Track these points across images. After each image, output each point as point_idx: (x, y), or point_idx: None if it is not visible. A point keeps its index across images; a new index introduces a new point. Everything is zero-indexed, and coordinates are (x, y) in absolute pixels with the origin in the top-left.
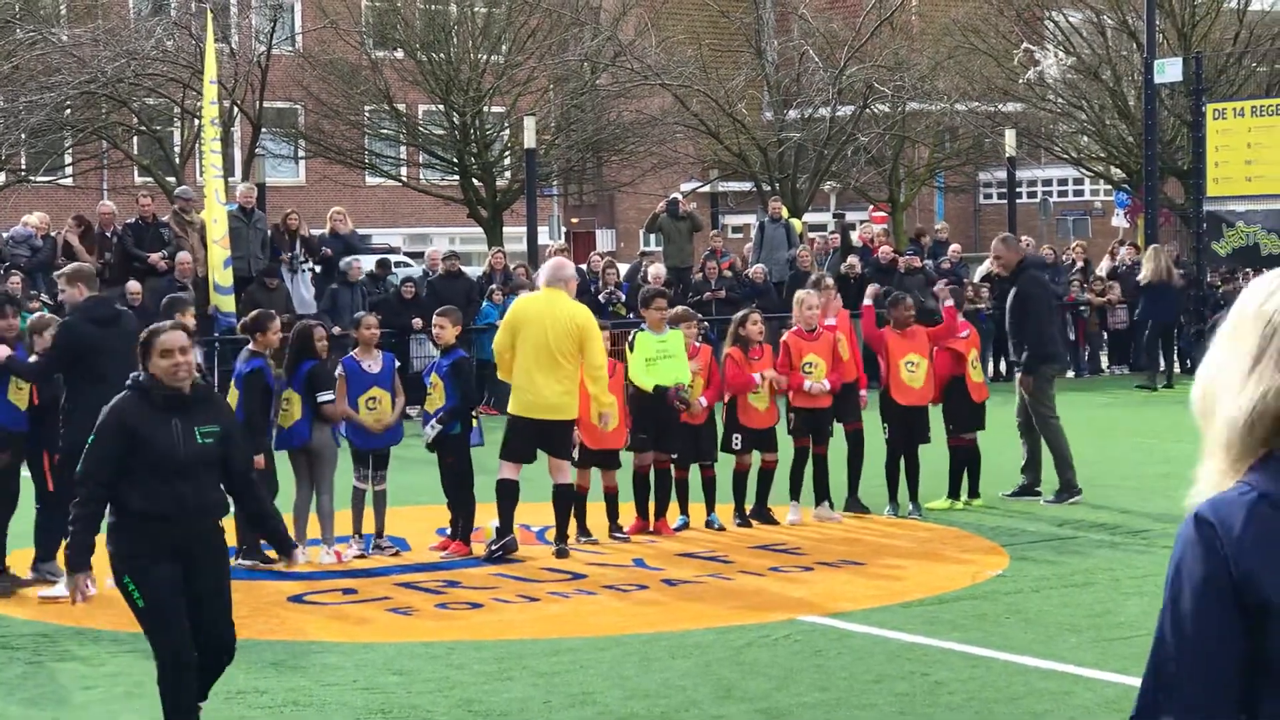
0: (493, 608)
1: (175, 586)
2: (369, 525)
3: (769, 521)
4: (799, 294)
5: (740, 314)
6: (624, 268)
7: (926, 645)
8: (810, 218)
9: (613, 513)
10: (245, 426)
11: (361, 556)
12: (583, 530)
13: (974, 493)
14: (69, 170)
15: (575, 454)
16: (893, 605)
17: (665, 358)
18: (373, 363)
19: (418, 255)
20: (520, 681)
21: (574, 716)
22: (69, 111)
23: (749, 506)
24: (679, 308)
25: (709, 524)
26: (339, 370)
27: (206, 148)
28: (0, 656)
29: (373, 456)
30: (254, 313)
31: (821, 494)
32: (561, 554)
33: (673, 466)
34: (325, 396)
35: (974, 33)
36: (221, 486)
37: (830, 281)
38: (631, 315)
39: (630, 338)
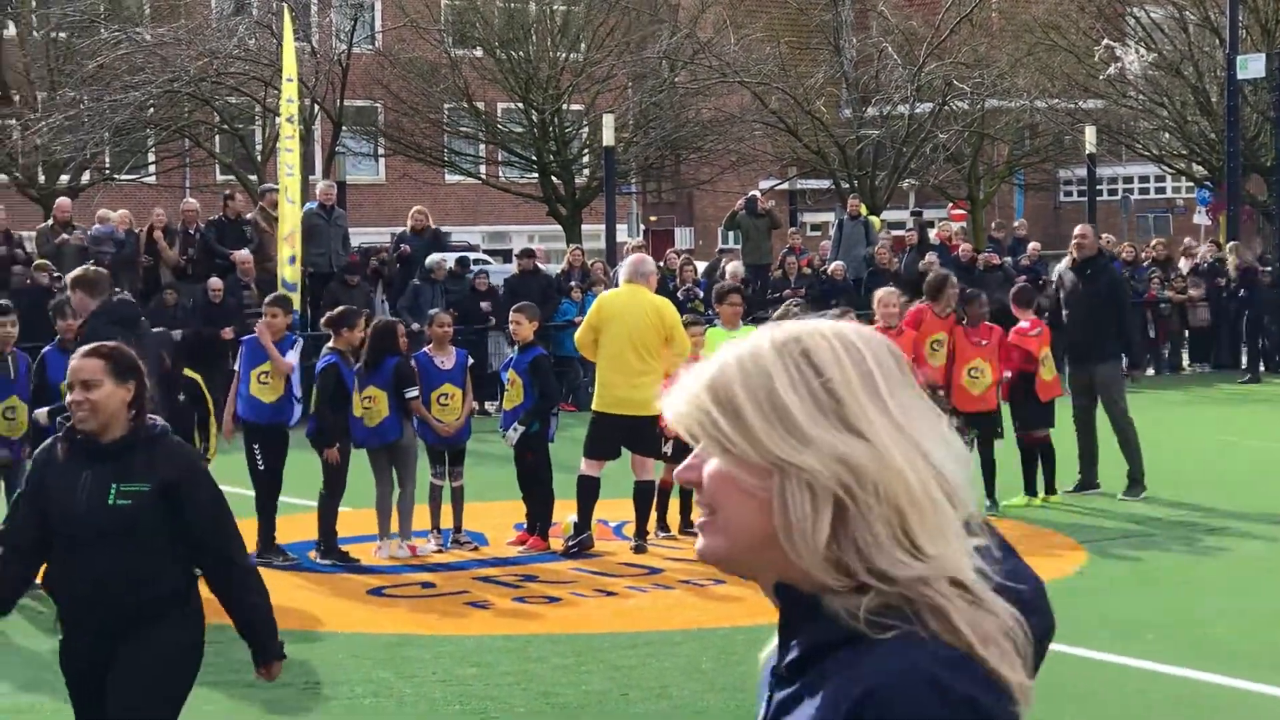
0: (570, 602)
1: (83, 686)
2: (447, 520)
3: None
4: (879, 292)
5: (829, 314)
6: (702, 265)
7: None
8: (889, 215)
9: (687, 508)
10: (317, 423)
11: (440, 551)
12: (661, 525)
13: (1050, 489)
14: (152, 169)
15: (669, 449)
16: None
17: None
18: (445, 359)
19: (496, 253)
20: (597, 675)
21: (651, 710)
22: (152, 110)
23: None
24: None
25: None
26: (413, 365)
27: (282, 145)
28: None
29: (448, 453)
30: (339, 309)
31: None
32: (639, 549)
33: None
34: (412, 392)
35: (1054, 29)
36: (174, 560)
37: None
38: (710, 313)
39: (702, 334)
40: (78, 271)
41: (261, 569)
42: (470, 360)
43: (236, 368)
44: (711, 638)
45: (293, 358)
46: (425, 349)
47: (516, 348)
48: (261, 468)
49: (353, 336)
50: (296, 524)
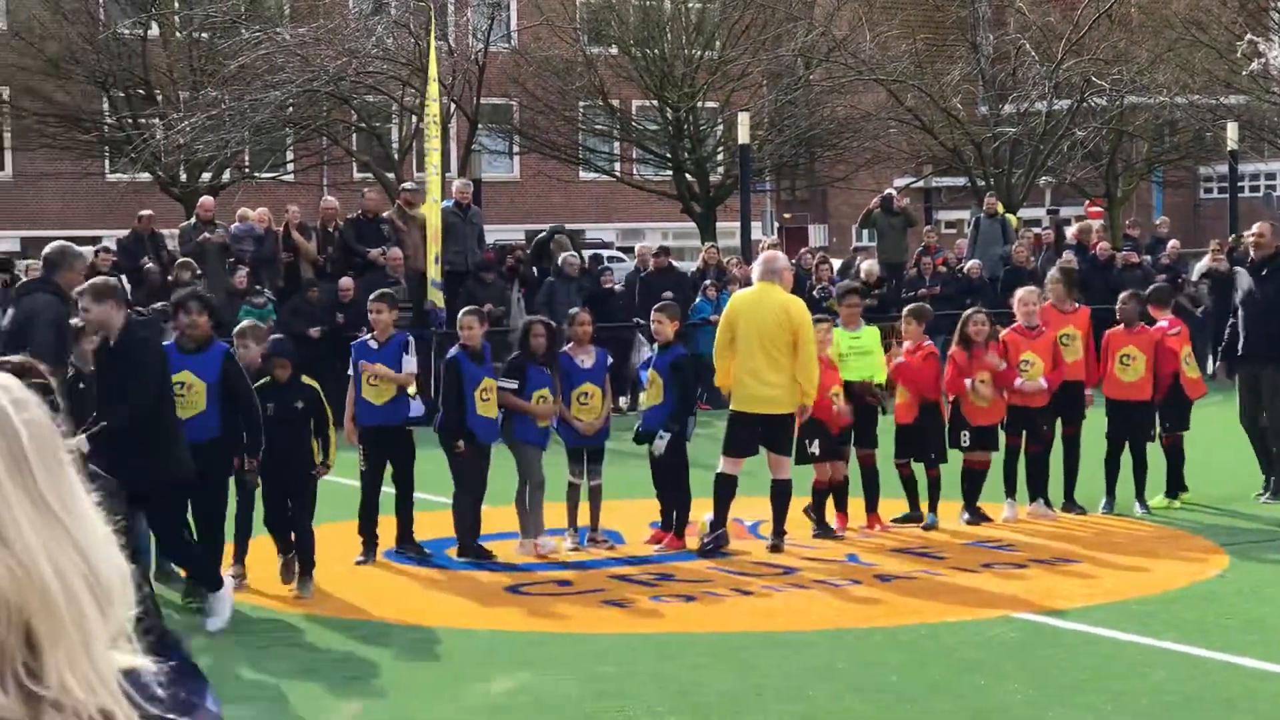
0: (706, 601)
1: None
2: (583, 519)
3: (982, 519)
4: (1018, 292)
5: (965, 313)
6: (837, 263)
7: (1142, 644)
8: (1025, 213)
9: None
10: (442, 418)
11: (575, 550)
12: (820, 523)
13: (1180, 488)
14: (290, 167)
15: (815, 448)
16: (1108, 604)
17: (859, 354)
18: (586, 358)
19: (631, 250)
20: (733, 674)
21: (786, 710)
22: (291, 109)
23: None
24: None
25: (927, 525)
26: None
27: (429, 145)
28: (229, 642)
29: (586, 452)
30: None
31: (1037, 491)
32: (776, 549)
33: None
34: (506, 384)
35: (1195, 25)
36: None
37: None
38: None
39: (828, 333)
40: (99, 282)
41: (399, 565)
42: (610, 360)
43: (350, 371)
44: (847, 638)
45: (408, 362)
46: (565, 348)
47: (657, 347)
48: (364, 469)
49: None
50: (438, 520)
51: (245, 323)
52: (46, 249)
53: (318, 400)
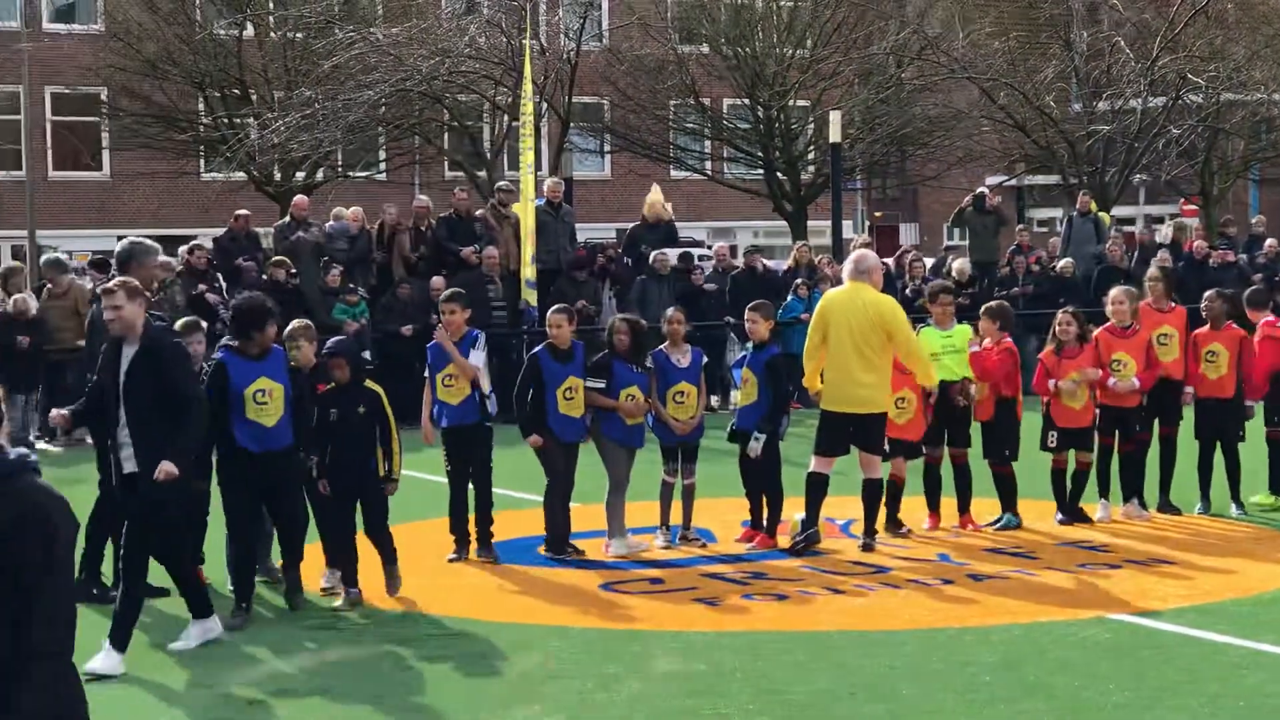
0: (798, 599)
1: None
2: (676, 517)
3: (1081, 520)
4: (1112, 291)
5: (1059, 314)
6: (929, 262)
7: (1240, 646)
8: (1118, 211)
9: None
10: (517, 410)
11: (667, 548)
12: (893, 521)
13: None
14: (383, 166)
15: (886, 447)
16: (1204, 604)
17: (950, 353)
18: (681, 357)
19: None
20: (825, 673)
21: (878, 709)
22: (384, 109)
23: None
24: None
25: (1007, 525)
26: (649, 363)
27: (522, 144)
28: (328, 637)
29: (681, 451)
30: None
31: (1131, 492)
32: (867, 548)
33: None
34: (593, 383)
35: None
36: None
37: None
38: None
39: (916, 333)
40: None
41: (488, 564)
42: (705, 358)
43: (426, 374)
44: (940, 637)
45: (476, 356)
46: (662, 347)
47: (751, 346)
48: (448, 469)
49: (560, 334)
50: (525, 518)
51: (295, 323)
52: (117, 248)
53: (380, 406)
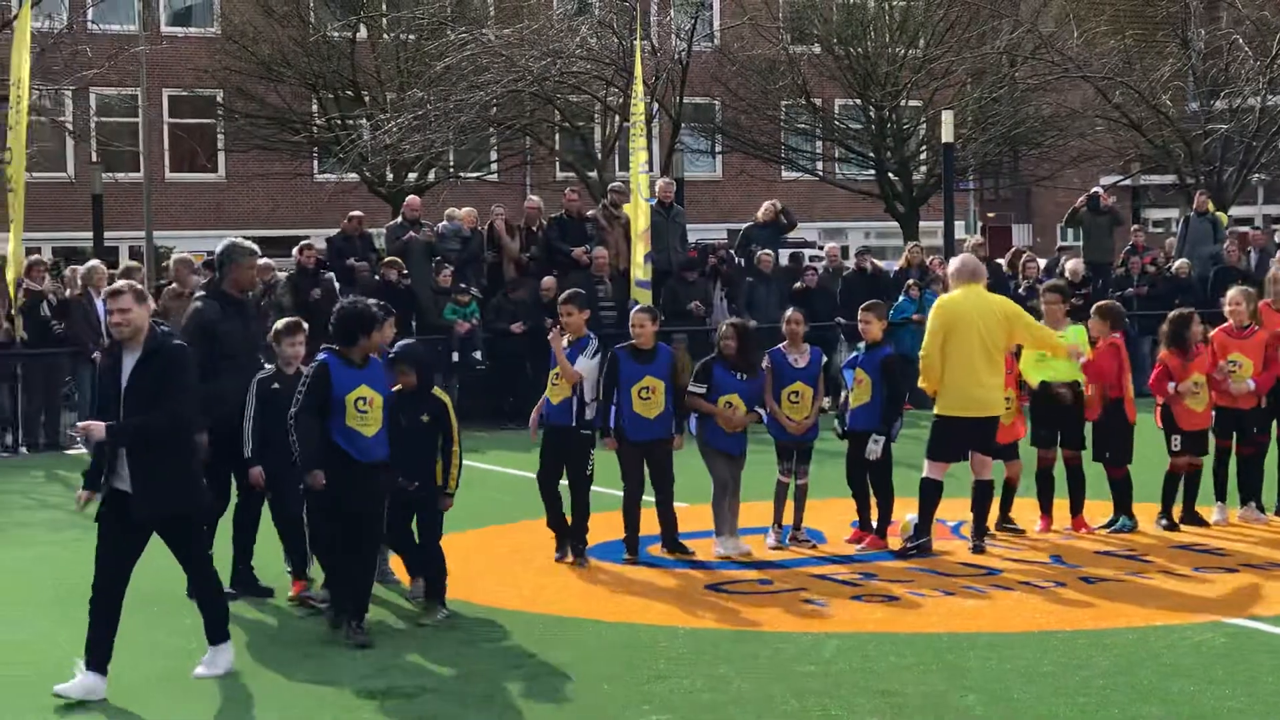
0: (908, 601)
1: None
2: (787, 517)
3: (1198, 523)
4: (1229, 291)
5: (1179, 315)
6: (1042, 262)
7: None
8: (1236, 211)
9: (1007, 504)
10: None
11: (778, 548)
12: (1005, 519)
13: None
14: (494, 167)
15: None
16: None
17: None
18: (799, 357)
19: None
20: (937, 675)
21: (990, 712)
22: (496, 110)
23: (1178, 510)
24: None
25: (1121, 527)
26: (765, 362)
27: (633, 144)
28: (436, 635)
29: (796, 451)
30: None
31: (1249, 494)
32: (978, 549)
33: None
34: (695, 388)
35: None
36: None
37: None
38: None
39: None
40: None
41: (602, 562)
42: (824, 359)
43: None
44: (1053, 640)
45: (584, 361)
46: (780, 346)
47: (864, 345)
48: (540, 467)
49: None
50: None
51: (282, 323)
52: (217, 249)
53: (445, 415)
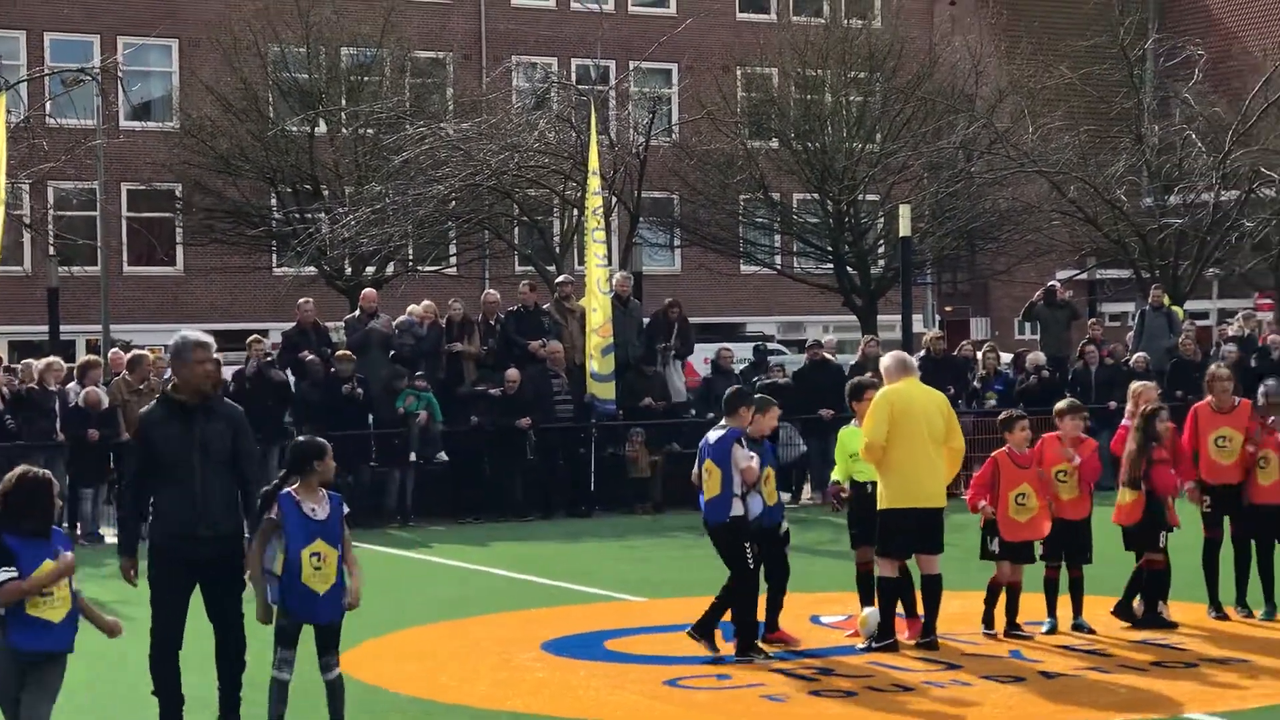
0: (865, 697)
1: None
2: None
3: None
4: (1211, 369)
5: (1151, 410)
6: (1007, 357)
7: None
8: (1191, 305)
9: (1013, 607)
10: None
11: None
12: (1013, 626)
13: None
14: (453, 260)
15: (996, 546)
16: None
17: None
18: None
19: (791, 343)
20: None
21: None
22: (454, 203)
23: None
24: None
25: (1076, 627)
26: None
27: (589, 238)
28: None
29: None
30: (733, 389)
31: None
32: (930, 645)
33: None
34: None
35: None
36: None
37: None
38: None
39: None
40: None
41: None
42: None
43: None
44: None
45: (738, 450)
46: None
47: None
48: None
49: (759, 423)
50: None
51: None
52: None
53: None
